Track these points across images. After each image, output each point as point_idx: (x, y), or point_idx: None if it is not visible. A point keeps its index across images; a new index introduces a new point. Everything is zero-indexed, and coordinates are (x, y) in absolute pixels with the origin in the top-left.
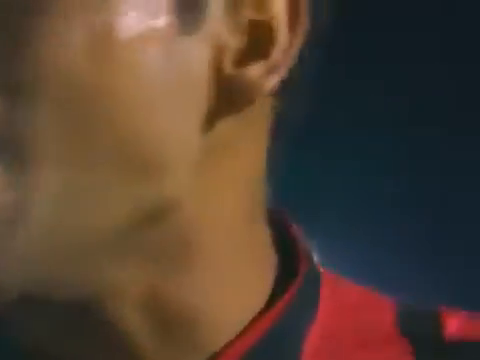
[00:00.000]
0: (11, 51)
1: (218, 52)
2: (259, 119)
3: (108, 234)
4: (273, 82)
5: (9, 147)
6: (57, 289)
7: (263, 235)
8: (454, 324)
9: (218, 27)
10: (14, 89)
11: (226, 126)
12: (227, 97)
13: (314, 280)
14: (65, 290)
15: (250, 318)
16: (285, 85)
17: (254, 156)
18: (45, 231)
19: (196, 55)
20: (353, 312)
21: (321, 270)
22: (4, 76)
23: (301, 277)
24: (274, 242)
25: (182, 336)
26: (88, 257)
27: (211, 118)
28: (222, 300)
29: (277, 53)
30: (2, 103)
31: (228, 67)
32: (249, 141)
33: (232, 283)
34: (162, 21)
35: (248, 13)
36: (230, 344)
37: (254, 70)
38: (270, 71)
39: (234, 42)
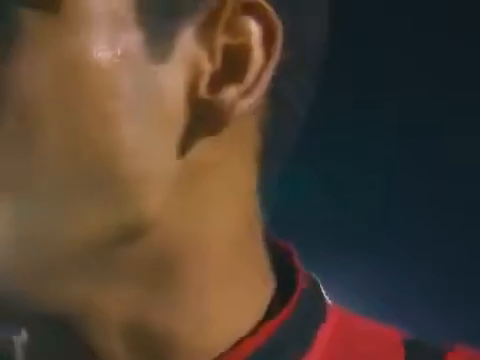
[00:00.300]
0: None
1: (192, 76)
2: (240, 138)
3: (79, 249)
4: (247, 105)
5: None
6: (31, 304)
7: (256, 256)
8: None
9: (191, 53)
10: None
11: (203, 146)
12: (202, 119)
13: (313, 307)
14: (40, 305)
15: (234, 343)
16: (271, 104)
17: (239, 175)
18: (9, 244)
19: (169, 80)
20: (360, 341)
21: (327, 300)
22: None
23: (295, 302)
24: (272, 266)
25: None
26: (60, 272)
27: (187, 139)
28: (204, 323)
29: (251, 76)
30: None
31: (202, 90)
32: (231, 160)
33: (216, 306)
34: (131, 49)
35: (222, 38)
36: None
37: (228, 93)
38: (244, 94)
39: (208, 66)
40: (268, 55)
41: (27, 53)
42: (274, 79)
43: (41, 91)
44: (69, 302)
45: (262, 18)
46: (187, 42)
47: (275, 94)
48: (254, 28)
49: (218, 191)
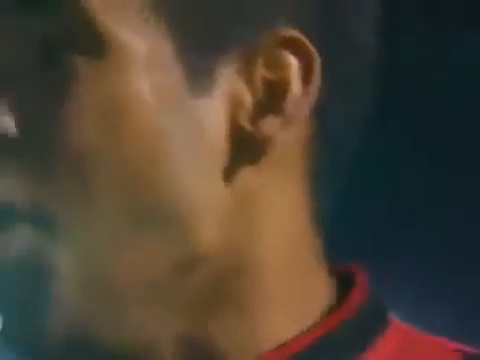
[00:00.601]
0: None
1: (233, 109)
2: (285, 161)
3: (140, 285)
4: (287, 135)
5: (43, 207)
6: (96, 335)
7: (311, 270)
8: None
9: (231, 86)
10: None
11: (248, 174)
12: (244, 150)
13: (372, 320)
14: (104, 336)
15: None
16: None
17: (286, 195)
18: (79, 285)
19: (211, 114)
20: (420, 351)
21: (390, 318)
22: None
23: (352, 310)
24: (332, 280)
25: None
26: (124, 310)
27: (232, 170)
28: (254, 347)
29: (290, 107)
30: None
31: (244, 123)
32: (277, 182)
33: (267, 329)
34: (173, 87)
35: (261, 71)
36: None
37: (268, 125)
38: (284, 125)
39: (248, 99)
40: (306, 86)
41: (77, 97)
42: (315, 107)
43: (90, 134)
44: (130, 333)
45: (300, 50)
46: (227, 76)
47: (316, 119)
48: (292, 60)
49: (268, 213)
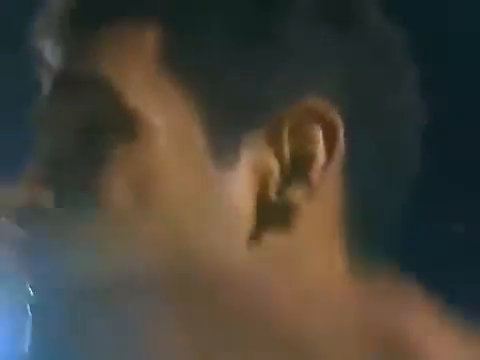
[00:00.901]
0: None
1: (259, 180)
2: (315, 228)
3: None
4: (314, 202)
5: None
6: None
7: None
8: None
9: (257, 158)
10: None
11: (275, 238)
12: (270, 217)
13: None
14: None
15: None
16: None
17: (320, 261)
18: None
19: (238, 185)
20: None
21: None
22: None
23: None
24: None
25: None
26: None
27: (257, 234)
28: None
29: (315, 176)
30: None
31: (270, 192)
32: (308, 248)
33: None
34: (200, 162)
35: (286, 142)
36: None
37: (294, 195)
38: (310, 193)
39: (274, 170)
40: (331, 155)
41: (110, 173)
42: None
43: (121, 203)
44: None
45: (325, 121)
46: (254, 148)
47: (348, 180)
48: (317, 131)
49: (291, 278)
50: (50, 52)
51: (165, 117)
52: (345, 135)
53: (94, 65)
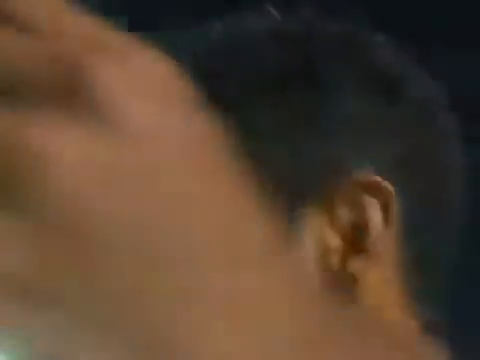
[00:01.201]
0: None
1: (320, 252)
2: (378, 292)
3: None
4: (375, 270)
5: None
6: None
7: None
8: None
9: (317, 232)
10: None
11: (340, 310)
12: (333, 287)
13: None
14: None
15: None
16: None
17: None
18: None
19: (300, 261)
20: None
21: None
22: None
23: None
24: None
25: None
26: None
27: (322, 307)
28: None
29: (374, 245)
30: None
31: (331, 264)
32: (374, 312)
33: None
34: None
35: (343, 213)
36: None
37: (355, 264)
38: (370, 262)
39: (334, 241)
40: (387, 222)
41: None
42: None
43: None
44: None
45: (379, 191)
46: (311, 224)
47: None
48: (372, 201)
49: (355, 351)
50: None
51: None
52: (397, 201)
53: None
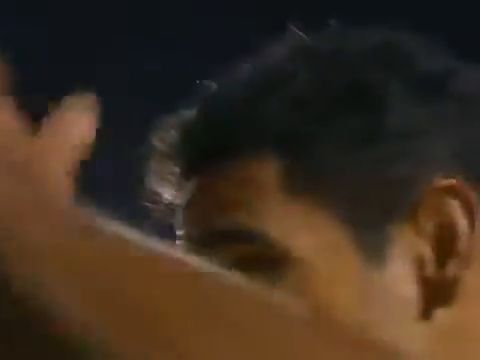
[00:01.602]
0: None
1: (415, 263)
2: (477, 294)
3: None
4: (471, 271)
5: None
6: None
7: None
8: None
9: (408, 245)
10: None
11: (444, 314)
12: (435, 294)
13: None
14: None
15: None
16: None
17: None
18: None
19: (396, 274)
20: None
21: None
22: None
23: None
24: None
25: None
26: None
27: (425, 313)
28: None
29: (463, 247)
30: None
31: (428, 273)
32: (476, 316)
33: None
34: (352, 266)
35: (430, 221)
36: None
37: (450, 269)
38: (463, 264)
39: (426, 250)
40: (473, 225)
41: None
42: None
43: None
44: None
45: (460, 194)
46: (400, 237)
47: None
48: (455, 204)
49: (472, 344)
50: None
51: (314, 244)
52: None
53: (261, 224)
